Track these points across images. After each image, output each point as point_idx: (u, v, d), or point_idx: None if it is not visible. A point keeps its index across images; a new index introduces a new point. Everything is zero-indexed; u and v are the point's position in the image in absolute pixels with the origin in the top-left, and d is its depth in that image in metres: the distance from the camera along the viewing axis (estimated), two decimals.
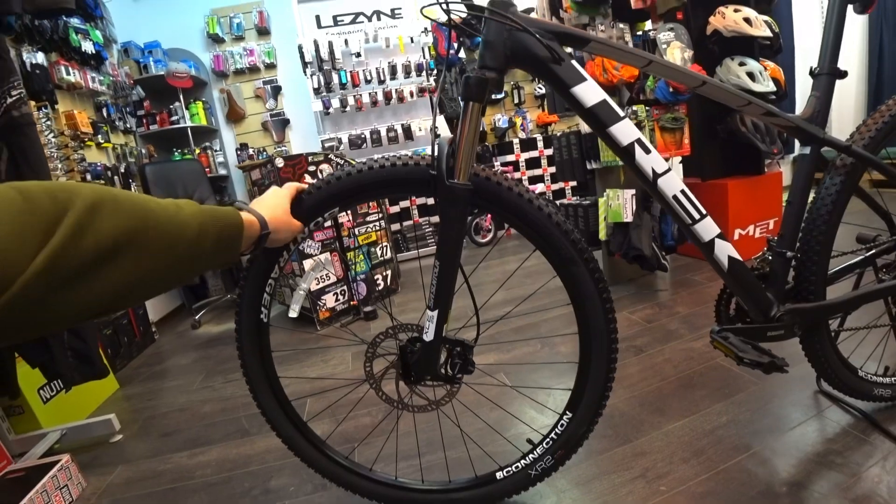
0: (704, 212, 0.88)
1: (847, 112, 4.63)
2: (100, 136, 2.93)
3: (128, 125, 3.41)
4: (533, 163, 4.49)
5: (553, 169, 4.46)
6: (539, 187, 4.44)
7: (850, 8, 1.03)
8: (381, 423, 1.42)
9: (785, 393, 1.34)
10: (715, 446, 1.16)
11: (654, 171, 0.82)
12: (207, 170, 3.89)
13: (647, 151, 0.81)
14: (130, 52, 3.64)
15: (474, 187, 0.75)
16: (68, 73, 2.67)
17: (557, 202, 3.02)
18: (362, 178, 0.77)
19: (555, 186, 4.53)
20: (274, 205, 0.74)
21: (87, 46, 2.83)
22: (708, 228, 0.89)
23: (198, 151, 3.96)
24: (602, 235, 2.26)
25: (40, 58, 2.44)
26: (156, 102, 3.79)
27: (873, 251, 1.13)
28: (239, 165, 4.19)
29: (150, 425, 1.77)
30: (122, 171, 3.07)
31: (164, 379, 2.27)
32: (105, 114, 3.12)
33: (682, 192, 0.85)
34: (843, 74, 1.01)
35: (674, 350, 1.68)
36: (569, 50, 1.16)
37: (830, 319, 1.09)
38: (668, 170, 0.83)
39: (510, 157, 4.43)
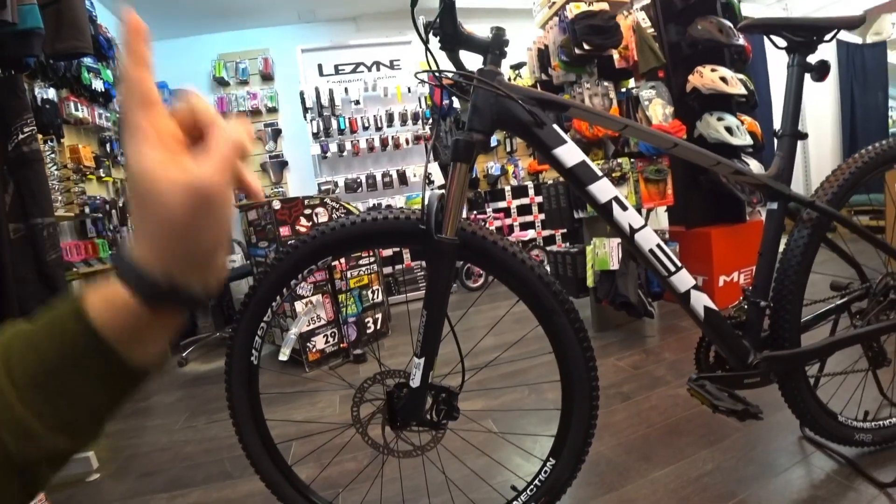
0: (680, 264, 0.94)
1: (825, 166, 4.85)
2: (101, 171, 2.99)
3: None
4: (524, 209, 4.61)
5: (543, 216, 4.58)
6: (530, 233, 4.55)
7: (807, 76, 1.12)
8: (366, 468, 1.41)
9: (770, 439, 1.36)
10: (700, 494, 1.17)
11: (630, 226, 0.87)
12: None
13: (624, 208, 0.87)
14: None
15: (461, 241, 0.80)
16: (77, 109, 2.76)
17: (548, 248, 3.09)
18: (355, 229, 0.82)
19: (545, 232, 4.63)
20: (157, 211, 0.29)
21: (98, 85, 2.94)
22: (683, 280, 0.94)
23: None
24: (590, 282, 2.31)
25: (51, 93, 2.53)
26: None
27: (846, 298, 1.18)
28: (236, 204, 4.26)
29: (130, 465, 1.73)
30: (121, 205, 3.12)
31: (147, 417, 2.23)
32: (108, 149, 3.19)
33: (658, 245, 0.91)
34: (804, 136, 1.09)
35: (660, 396, 1.70)
36: None
37: (806, 366, 1.13)
38: (644, 225, 0.89)
39: (502, 204, 4.56)
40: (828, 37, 1.08)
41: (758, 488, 1.16)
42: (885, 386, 1.38)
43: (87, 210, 2.73)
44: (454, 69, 0.88)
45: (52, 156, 2.44)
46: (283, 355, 2.38)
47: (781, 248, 1.10)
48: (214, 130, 0.32)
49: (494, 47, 0.83)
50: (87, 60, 2.83)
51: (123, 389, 0.32)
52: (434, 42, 0.84)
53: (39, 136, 2.32)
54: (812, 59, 1.10)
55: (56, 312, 0.31)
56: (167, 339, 0.34)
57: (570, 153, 0.83)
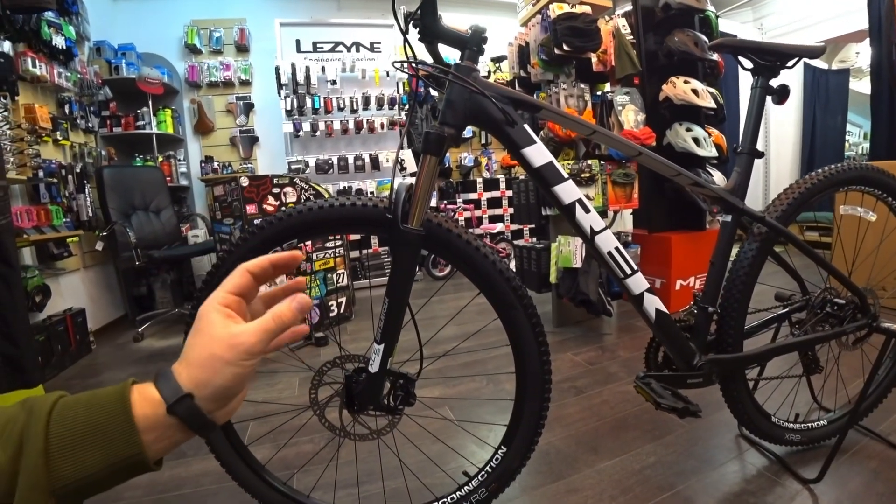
0: (636, 267, 0.98)
1: (784, 182, 5.08)
2: (58, 133, 2.84)
3: (90, 125, 3.32)
4: (494, 202, 4.65)
5: (512, 210, 4.61)
6: (498, 226, 4.60)
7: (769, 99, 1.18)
8: (321, 450, 1.42)
9: (710, 436, 1.44)
10: (642, 485, 1.23)
11: (591, 228, 0.91)
12: (168, 179, 3.81)
13: (587, 211, 0.90)
14: (103, 52, 3.58)
15: (426, 232, 0.81)
16: (34, 66, 2.60)
17: (515, 242, 3.14)
18: (323, 214, 0.82)
19: (514, 226, 4.68)
20: (204, 343, 0.41)
21: (59, 41, 2.78)
22: (638, 283, 0.98)
23: (160, 159, 3.88)
24: (552, 279, 2.37)
25: (6, 47, 2.38)
26: (123, 105, 3.71)
27: (787, 309, 1.26)
28: (202, 178, 4.13)
29: None
30: (78, 171, 2.97)
31: None
32: (67, 110, 3.03)
33: (617, 248, 0.94)
34: (760, 155, 1.15)
35: (612, 392, 1.77)
36: None
37: (747, 369, 1.21)
38: (605, 228, 0.92)
39: (473, 196, 4.58)
40: (790, 63, 1.14)
41: (695, 481, 1.23)
42: (816, 391, 1.49)
43: (40, 174, 2.59)
44: (432, 61, 0.89)
45: (5, 114, 2.30)
46: None
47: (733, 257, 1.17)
48: (276, 303, 0.46)
49: (472, 44, 0.84)
50: (49, 14, 2.66)
51: (121, 470, 0.37)
52: (413, 33, 0.84)
53: None
54: (775, 83, 1.16)
55: (100, 391, 0.38)
56: (170, 448, 0.40)
57: (538, 153, 0.86)
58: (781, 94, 1.16)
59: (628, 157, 2.30)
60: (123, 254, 2.87)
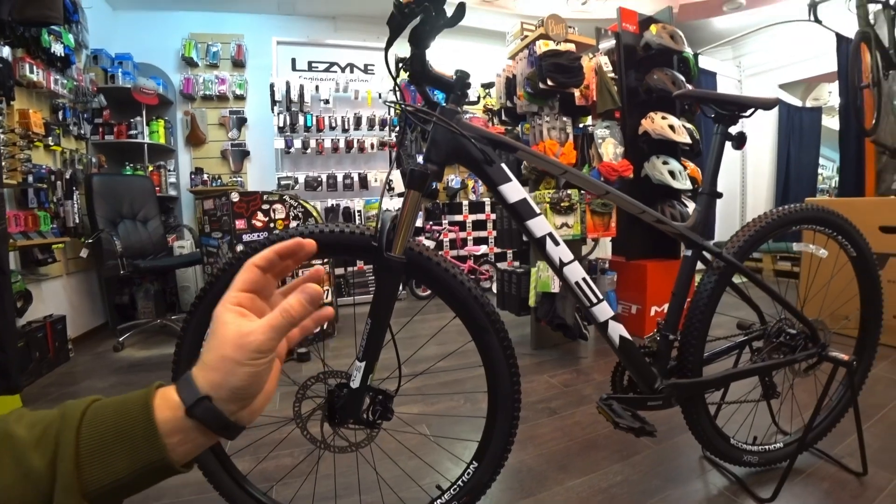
0: (602, 297, 1.06)
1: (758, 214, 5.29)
2: (50, 139, 2.87)
3: (82, 131, 3.34)
4: (479, 225, 4.72)
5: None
6: (482, 248, 4.67)
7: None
8: (300, 462, 1.45)
9: (675, 457, 1.51)
10: (607, 503, 1.29)
11: (560, 260, 0.99)
12: (157, 189, 3.83)
13: (557, 244, 0.98)
14: (100, 60, 3.62)
15: (408, 260, 0.88)
16: (32, 72, 2.64)
17: (498, 265, 3.21)
18: (313, 239, 0.88)
19: (498, 249, 4.76)
20: (216, 346, 0.41)
21: (58, 49, 2.82)
22: (603, 311, 1.06)
23: (150, 169, 3.91)
24: (531, 302, 2.45)
25: (6, 52, 2.42)
26: (116, 113, 3.75)
27: (746, 337, 1.35)
28: (191, 189, 4.15)
29: None
30: (67, 177, 2.99)
31: None
32: (60, 117, 3.06)
33: (584, 279, 1.02)
34: (719, 195, 1.25)
35: (584, 413, 1.83)
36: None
37: (706, 393, 1.28)
38: (573, 260, 1.00)
39: (458, 217, 4.65)
40: (747, 113, 1.25)
41: (658, 500, 1.30)
42: (775, 415, 1.57)
43: (30, 179, 2.61)
44: (421, 98, 0.97)
45: (0, 119, 2.34)
46: None
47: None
48: (286, 298, 0.44)
49: (457, 88, 0.92)
50: None
51: (148, 473, 0.38)
52: (403, 75, 0.93)
53: None
54: (734, 130, 1.27)
55: (129, 396, 0.40)
56: (196, 450, 0.40)
57: (513, 190, 0.94)
58: (739, 141, 1.28)
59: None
60: (108, 262, 2.88)
